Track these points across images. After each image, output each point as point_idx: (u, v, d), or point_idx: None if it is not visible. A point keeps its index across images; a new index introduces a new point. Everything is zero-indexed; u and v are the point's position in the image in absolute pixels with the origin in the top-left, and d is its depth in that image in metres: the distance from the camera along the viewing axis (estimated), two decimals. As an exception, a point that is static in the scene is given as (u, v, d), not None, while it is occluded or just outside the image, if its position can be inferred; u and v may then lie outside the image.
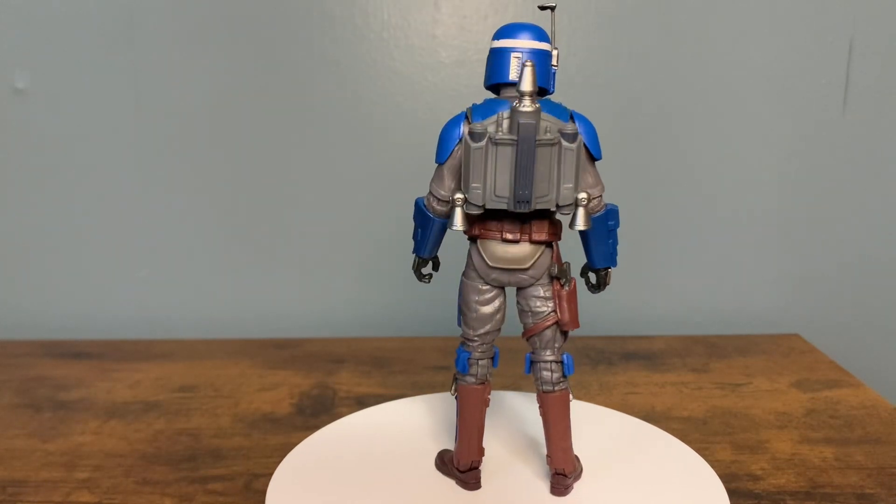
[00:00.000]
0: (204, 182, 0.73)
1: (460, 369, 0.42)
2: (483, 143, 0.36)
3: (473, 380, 0.42)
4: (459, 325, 0.42)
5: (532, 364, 0.42)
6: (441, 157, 0.39)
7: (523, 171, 0.36)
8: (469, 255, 0.41)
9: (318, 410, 0.55)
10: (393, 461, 0.45)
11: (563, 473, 0.41)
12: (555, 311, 0.40)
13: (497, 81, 0.39)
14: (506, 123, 0.37)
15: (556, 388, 0.41)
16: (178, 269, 0.75)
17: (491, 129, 0.37)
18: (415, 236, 0.43)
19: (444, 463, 0.44)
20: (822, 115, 0.70)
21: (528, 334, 0.41)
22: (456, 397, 0.42)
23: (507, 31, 0.39)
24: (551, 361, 0.41)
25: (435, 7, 0.69)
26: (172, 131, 0.72)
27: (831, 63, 0.69)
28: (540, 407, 0.42)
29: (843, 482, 0.44)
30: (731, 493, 0.42)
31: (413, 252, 0.44)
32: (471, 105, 0.39)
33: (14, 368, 0.65)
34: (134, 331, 0.75)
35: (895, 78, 0.69)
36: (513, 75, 0.38)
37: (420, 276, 0.45)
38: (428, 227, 0.41)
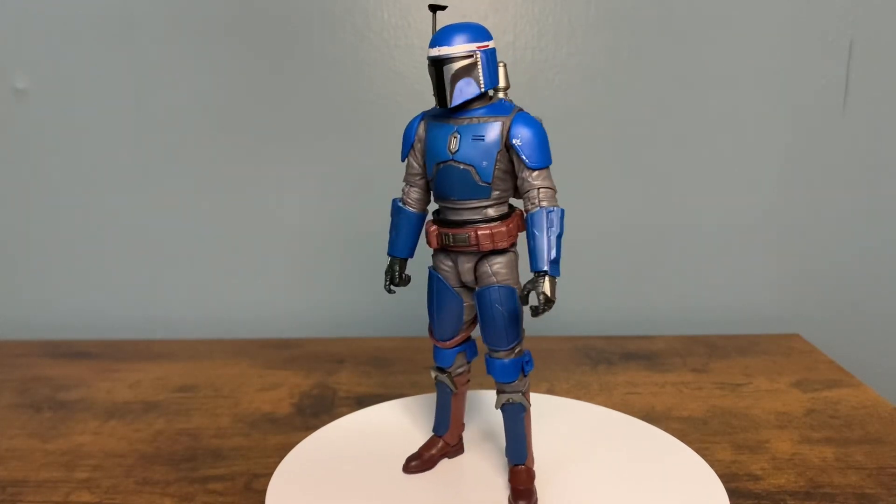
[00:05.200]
0: (204, 181, 0.73)
1: (531, 367, 0.41)
2: None
3: None
4: (519, 338, 0.40)
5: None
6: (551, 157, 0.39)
7: None
8: (514, 260, 0.41)
9: (318, 410, 0.55)
10: (393, 461, 0.45)
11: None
12: None
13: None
14: None
15: None
16: (178, 269, 0.75)
17: None
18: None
19: (532, 491, 0.41)
20: (822, 115, 0.70)
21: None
22: (525, 413, 0.41)
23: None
24: None
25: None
26: (172, 131, 0.72)
27: (831, 63, 0.69)
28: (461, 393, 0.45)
29: (843, 482, 0.44)
30: (731, 493, 0.42)
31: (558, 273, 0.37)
32: (517, 107, 0.40)
33: (14, 368, 0.65)
34: (134, 331, 0.75)
35: (895, 78, 0.69)
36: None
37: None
38: None
